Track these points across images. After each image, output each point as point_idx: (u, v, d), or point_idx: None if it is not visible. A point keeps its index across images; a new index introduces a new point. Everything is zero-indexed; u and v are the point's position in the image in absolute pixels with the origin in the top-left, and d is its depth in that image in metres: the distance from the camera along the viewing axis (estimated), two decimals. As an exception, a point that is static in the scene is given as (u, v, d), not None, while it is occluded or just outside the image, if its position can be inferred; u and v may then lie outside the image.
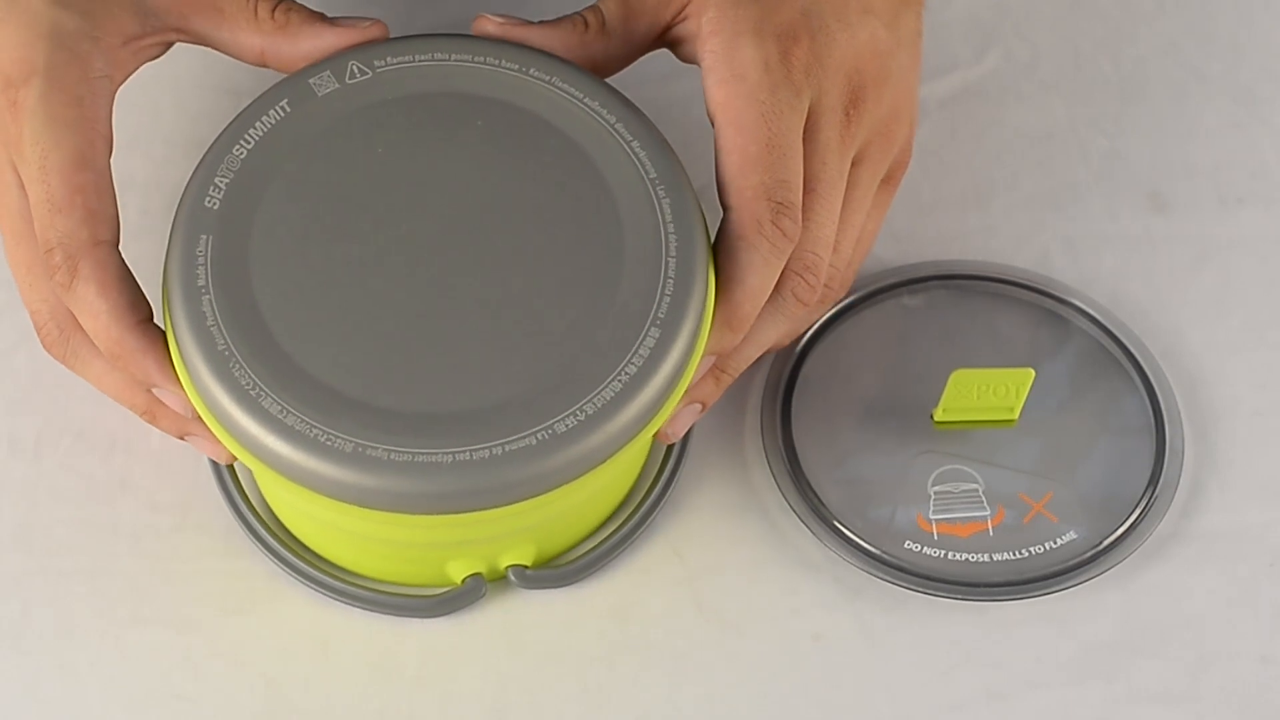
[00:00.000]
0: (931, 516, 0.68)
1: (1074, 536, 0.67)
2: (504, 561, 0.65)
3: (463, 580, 0.65)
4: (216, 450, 0.63)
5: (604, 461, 0.60)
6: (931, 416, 0.70)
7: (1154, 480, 0.69)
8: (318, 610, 0.66)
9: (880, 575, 0.67)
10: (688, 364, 0.61)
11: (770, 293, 0.63)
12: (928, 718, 0.65)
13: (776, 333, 0.65)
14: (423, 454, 0.58)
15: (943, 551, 0.67)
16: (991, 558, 0.67)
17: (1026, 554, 0.67)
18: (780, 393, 0.70)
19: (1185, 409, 0.70)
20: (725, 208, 0.63)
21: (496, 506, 0.59)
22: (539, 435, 0.59)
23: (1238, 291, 0.74)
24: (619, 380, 0.60)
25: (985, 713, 0.65)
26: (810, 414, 0.70)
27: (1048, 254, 0.74)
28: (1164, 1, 0.82)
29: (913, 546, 0.67)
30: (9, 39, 0.62)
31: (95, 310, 0.61)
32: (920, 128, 0.77)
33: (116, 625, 0.66)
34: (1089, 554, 0.67)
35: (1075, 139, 0.78)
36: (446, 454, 0.59)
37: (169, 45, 0.66)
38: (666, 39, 0.65)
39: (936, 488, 0.68)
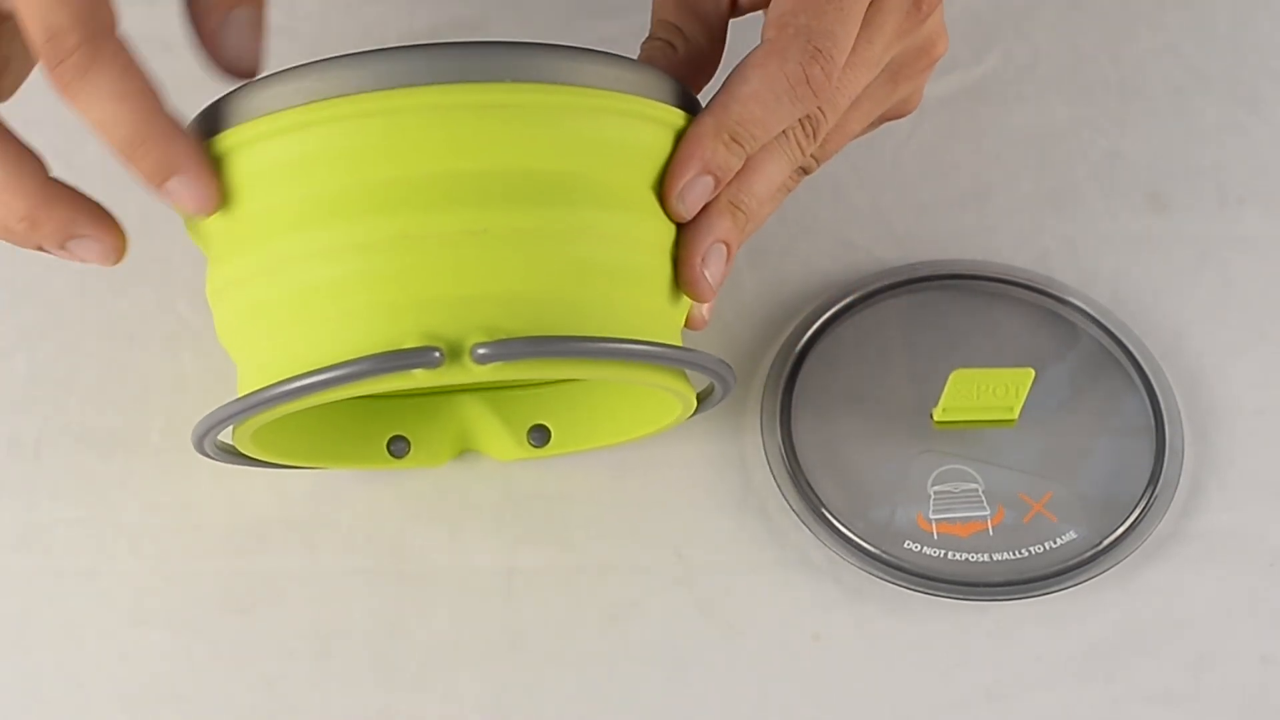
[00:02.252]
0: (931, 516, 0.68)
1: (1074, 536, 0.67)
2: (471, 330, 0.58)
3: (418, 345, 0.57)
4: (104, 243, 0.59)
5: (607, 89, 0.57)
6: (931, 416, 0.70)
7: (1154, 480, 0.69)
8: (318, 610, 0.66)
9: (880, 575, 0.67)
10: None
11: (773, 130, 0.60)
12: (928, 718, 0.65)
13: (782, 114, 0.61)
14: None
15: (943, 551, 0.67)
16: (991, 558, 0.67)
17: (1026, 554, 0.67)
18: (780, 393, 0.70)
19: (1185, 409, 0.70)
20: (762, 40, 0.60)
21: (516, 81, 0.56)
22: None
23: (1238, 291, 0.74)
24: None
25: (985, 713, 0.65)
26: (810, 414, 0.70)
27: (1048, 254, 0.75)
28: (1164, 1, 0.82)
29: (913, 546, 0.67)
30: None
31: (121, 93, 0.56)
32: (920, 128, 0.77)
33: (116, 625, 0.66)
34: (1089, 554, 0.67)
35: (1075, 139, 0.78)
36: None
37: None
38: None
39: (936, 487, 0.68)
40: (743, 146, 0.61)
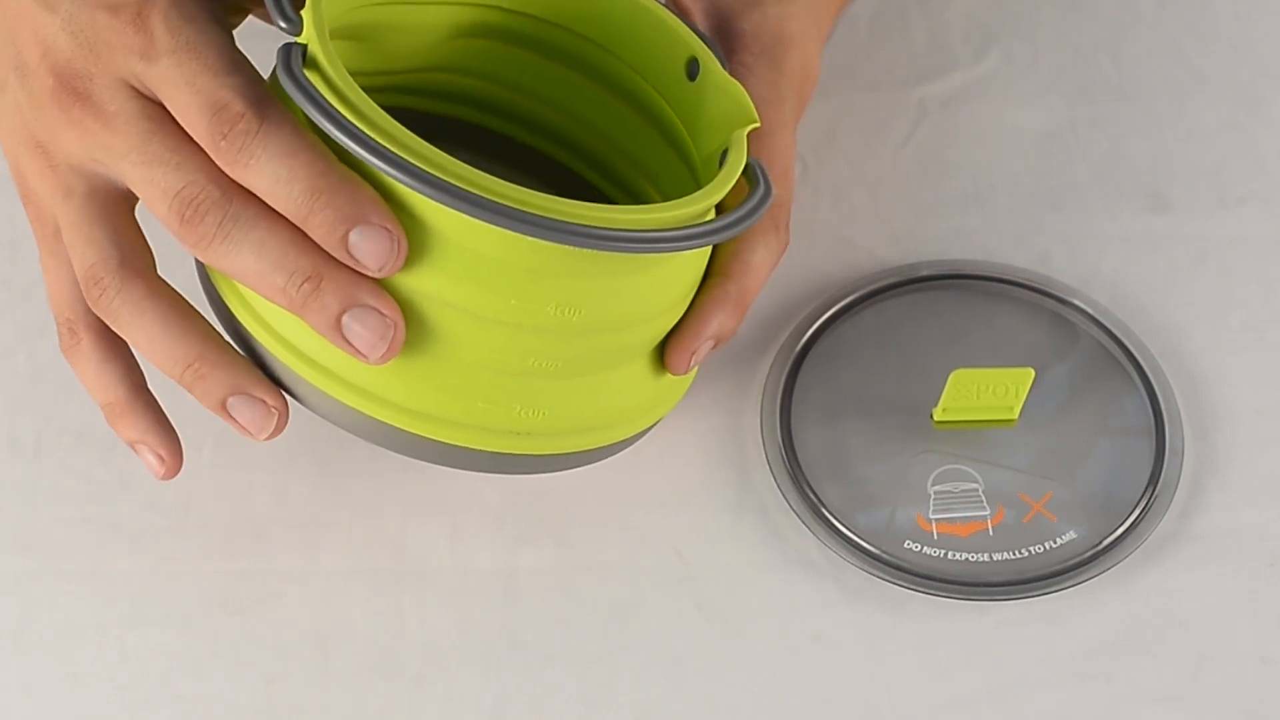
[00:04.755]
0: (931, 516, 0.68)
1: (1074, 536, 0.67)
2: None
3: None
4: (385, 326, 0.59)
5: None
6: (931, 416, 0.70)
7: (1154, 480, 0.69)
8: (318, 610, 0.66)
9: (880, 575, 0.67)
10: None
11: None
12: (928, 718, 0.65)
13: (771, 266, 0.66)
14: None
15: (943, 551, 0.67)
16: (991, 557, 0.67)
17: (1026, 554, 0.67)
18: (780, 393, 0.70)
19: (1185, 409, 0.70)
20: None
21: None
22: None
23: (1238, 291, 0.74)
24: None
25: (985, 713, 0.65)
26: (810, 414, 0.70)
27: (1048, 254, 0.75)
28: (1164, 1, 0.82)
29: (913, 546, 0.67)
30: None
31: (294, 148, 0.58)
32: (920, 128, 0.77)
33: (116, 625, 0.66)
34: (1089, 554, 0.67)
35: (1075, 139, 0.78)
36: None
37: (245, 15, 0.65)
38: None
39: (936, 487, 0.68)
40: (747, 308, 0.65)
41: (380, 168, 0.56)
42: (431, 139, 0.60)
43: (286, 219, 0.59)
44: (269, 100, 0.59)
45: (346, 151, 0.57)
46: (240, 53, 0.60)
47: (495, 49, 0.68)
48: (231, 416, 0.62)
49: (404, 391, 0.60)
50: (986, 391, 0.69)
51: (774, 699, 0.65)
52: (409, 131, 0.57)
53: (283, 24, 0.60)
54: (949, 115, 0.78)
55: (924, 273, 0.73)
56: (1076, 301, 0.72)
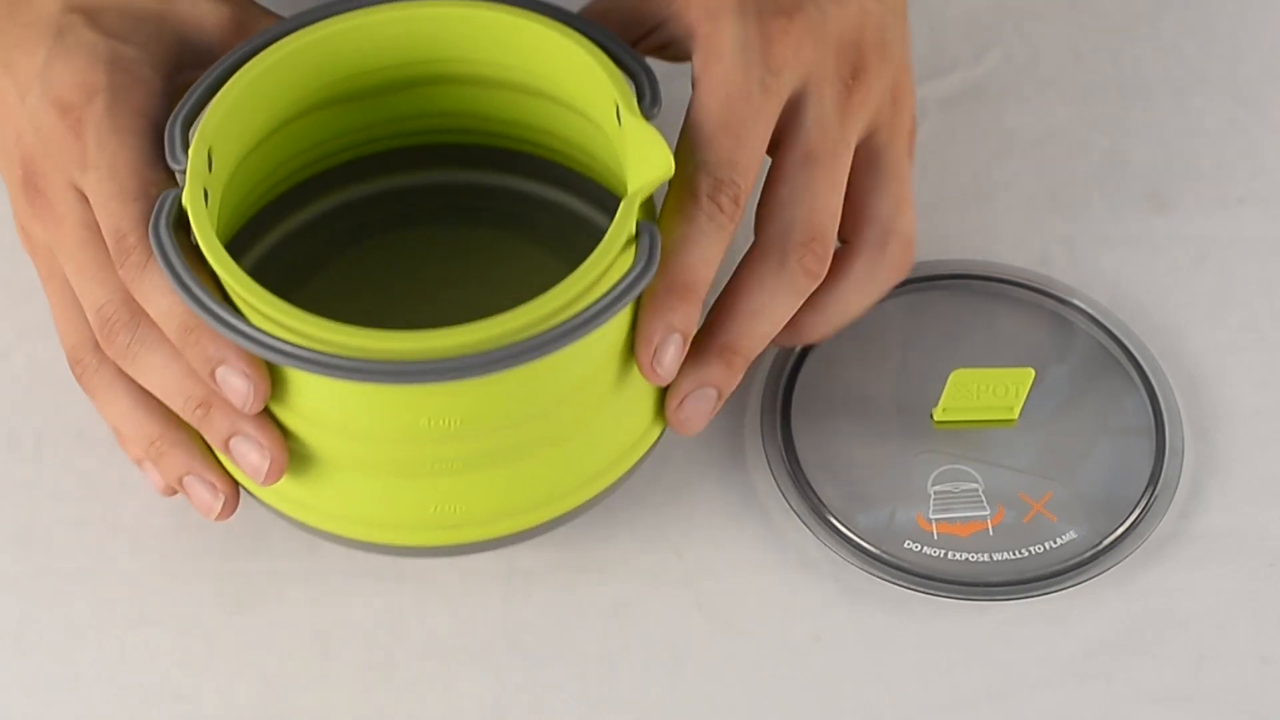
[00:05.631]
0: (931, 516, 0.68)
1: (1074, 536, 0.67)
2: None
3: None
4: (262, 458, 0.62)
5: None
6: (931, 416, 0.70)
7: (1154, 480, 0.69)
8: (318, 610, 0.66)
9: (880, 575, 0.67)
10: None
11: (714, 265, 0.62)
12: (928, 718, 0.65)
13: (788, 307, 0.64)
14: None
15: (943, 551, 0.67)
16: (991, 557, 0.67)
17: (1026, 554, 0.67)
18: (780, 393, 0.70)
19: (1185, 409, 0.70)
20: (670, 183, 0.63)
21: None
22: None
23: (1238, 291, 0.74)
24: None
25: (985, 713, 0.65)
26: (810, 414, 0.70)
27: (1048, 254, 0.75)
28: (1164, 1, 0.82)
29: (913, 546, 0.67)
30: (66, 68, 0.64)
31: (171, 286, 0.61)
32: (920, 128, 0.77)
33: (116, 625, 0.66)
34: (1089, 554, 0.67)
35: (1075, 139, 0.78)
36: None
37: None
38: (651, 45, 0.66)
39: (936, 487, 0.68)
40: (741, 356, 0.64)
41: (218, 329, 0.59)
42: (446, 164, 0.68)
43: None
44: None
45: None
46: (158, 168, 0.63)
47: (453, 90, 0.68)
48: (187, 492, 0.65)
49: (327, 498, 0.63)
50: (986, 391, 0.69)
51: (774, 699, 0.65)
52: (256, 285, 0.59)
53: (174, 165, 0.62)
54: (949, 115, 0.78)
55: (924, 273, 0.73)
56: (1076, 301, 0.72)
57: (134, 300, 0.62)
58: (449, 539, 0.63)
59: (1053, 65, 0.80)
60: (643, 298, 0.62)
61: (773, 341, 0.65)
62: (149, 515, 0.68)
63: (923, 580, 0.67)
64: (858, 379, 0.71)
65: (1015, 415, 0.70)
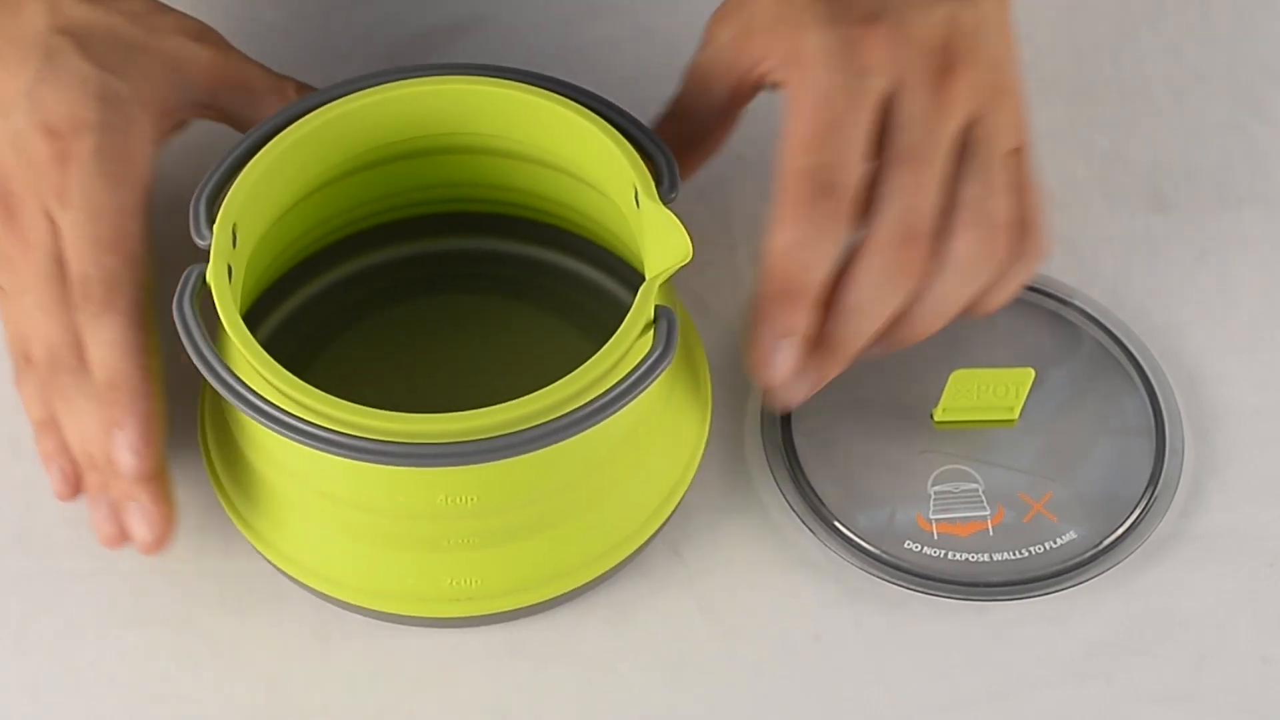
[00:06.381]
0: (931, 516, 0.68)
1: (1074, 536, 0.67)
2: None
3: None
4: (151, 522, 0.64)
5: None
6: (931, 416, 0.70)
7: (1154, 480, 0.69)
8: (318, 610, 0.66)
9: (880, 575, 0.67)
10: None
11: (823, 267, 0.63)
12: (928, 718, 0.65)
13: (888, 302, 0.64)
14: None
15: (943, 551, 0.67)
16: (991, 557, 0.67)
17: (1026, 554, 0.67)
18: (780, 393, 0.70)
19: (1185, 409, 0.70)
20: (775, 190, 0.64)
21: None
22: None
23: (1238, 291, 0.74)
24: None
25: (985, 713, 0.65)
26: (810, 414, 0.70)
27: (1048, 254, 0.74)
28: (1164, 1, 0.82)
29: (913, 546, 0.67)
30: (56, 95, 0.64)
31: (118, 340, 0.63)
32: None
33: (116, 625, 0.66)
34: (1089, 554, 0.67)
35: (1075, 139, 0.78)
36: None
37: (189, 122, 0.69)
38: (756, 85, 0.67)
39: (936, 488, 0.68)
40: (843, 348, 0.65)
41: (242, 410, 0.60)
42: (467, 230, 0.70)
43: None
44: (126, 286, 0.64)
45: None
46: (136, 219, 0.64)
47: (475, 161, 0.69)
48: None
49: (343, 570, 0.64)
50: (986, 392, 0.69)
51: (774, 699, 0.65)
52: (278, 366, 0.60)
53: (199, 241, 0.63)
54: (949, 115, 0.78)
55: (924, 273, 0.73)
56: (1076, 301, 0.72)
57: (77, 342, 0.64)
58: (463, 611, 0.64)
59: (1053, 65, 0.80)
60: (754, 304, 0.64)
61: (886, 341, 0.65)
62: (149, 515, 0.68)
63: (923, 580, 0.67)
64: (858, 379, 0.70)
65: (1015, 415, 0.70)
